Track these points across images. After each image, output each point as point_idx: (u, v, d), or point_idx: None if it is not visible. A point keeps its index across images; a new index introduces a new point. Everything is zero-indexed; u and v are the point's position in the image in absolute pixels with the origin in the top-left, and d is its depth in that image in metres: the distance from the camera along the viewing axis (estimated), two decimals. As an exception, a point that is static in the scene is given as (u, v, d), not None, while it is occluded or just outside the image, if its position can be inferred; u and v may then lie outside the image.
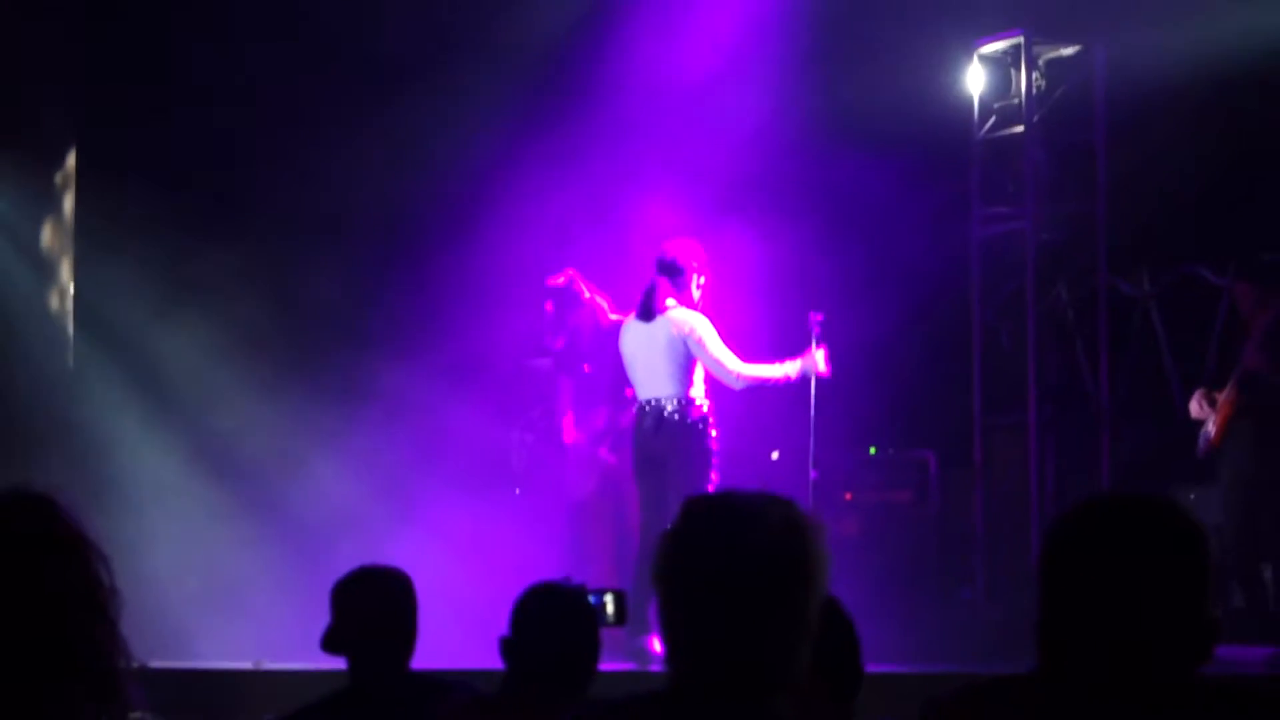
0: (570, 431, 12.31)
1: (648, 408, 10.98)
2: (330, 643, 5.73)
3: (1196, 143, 12.50)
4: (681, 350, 10.89)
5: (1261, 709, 3.20)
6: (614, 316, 11.85)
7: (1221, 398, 10.95)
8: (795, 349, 11.20)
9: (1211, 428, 10.94)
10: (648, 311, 10.99)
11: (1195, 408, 11.09)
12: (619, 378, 11.49)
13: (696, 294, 11.01)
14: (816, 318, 11.24)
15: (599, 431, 12.24)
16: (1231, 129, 12.38)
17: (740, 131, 13.45)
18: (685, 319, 10.92)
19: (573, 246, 13.23)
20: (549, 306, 12.25)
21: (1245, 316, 11.09)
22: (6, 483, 3.16)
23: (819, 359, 10.93)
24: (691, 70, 13.63)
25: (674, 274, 10.96)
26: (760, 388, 11.01)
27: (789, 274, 12.92)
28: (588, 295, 12.07)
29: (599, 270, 12.49)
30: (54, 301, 14.26)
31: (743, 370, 10.90)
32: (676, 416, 10.87)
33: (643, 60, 13.68)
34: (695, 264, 10.99)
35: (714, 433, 10.90)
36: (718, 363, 10.86)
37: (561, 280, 12.17)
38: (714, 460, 10.86)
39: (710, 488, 10.41)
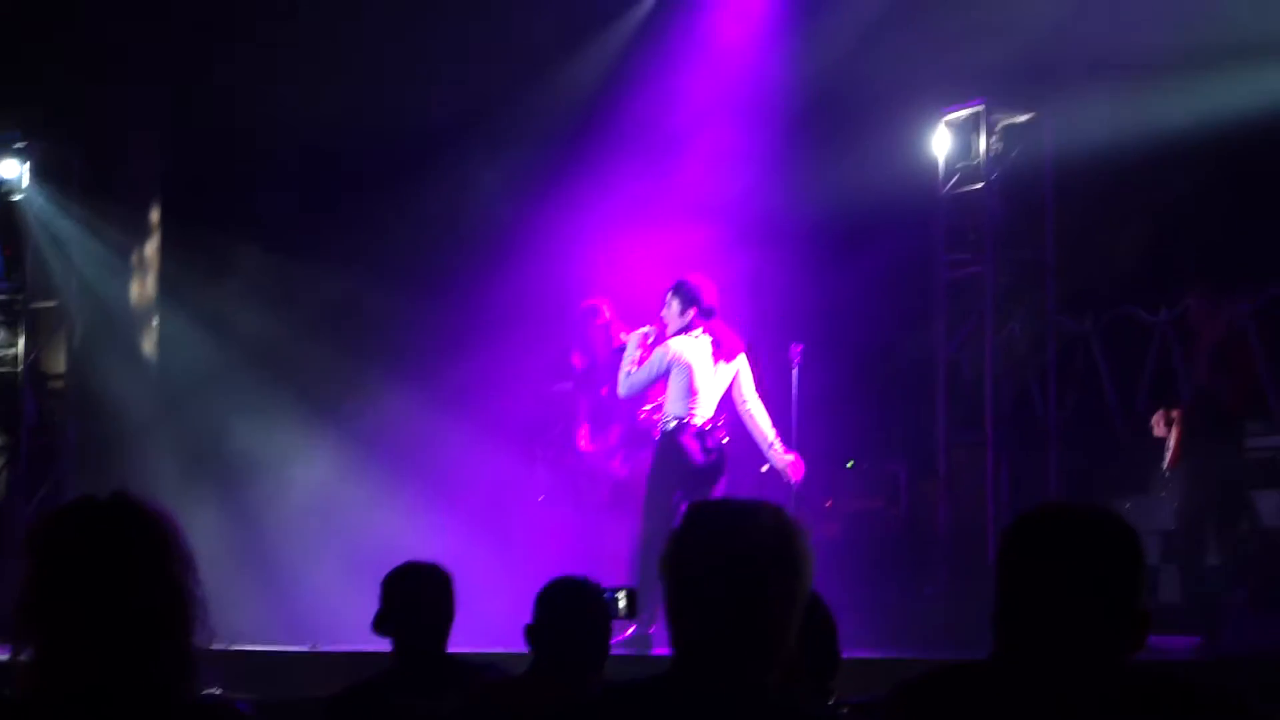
0: (585, 443, 12.29)
1: (712, 429, 10.60)
2: (379, 625, 5.75)
3: (1133, 199, 12.52)
4: (730, 382, 10.69)
5: (1183, 690, 3.21)
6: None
7: (1176, 415, 10.96)
8: (781, 377, 11.20)
9: (1171, 447, 10.93)
10: (725, 351, 10.57)
11: (1159, 427, 11.03)
12: (635, 399, 11.18)
13: None
14: (797, 348, 11.22)
15: (612, 447, 12.20)
16: (1163, 188, 12.39)
17: (738, 184, 13.51)
18: (742, 356, 10.76)
19: (592, 285, 13.26)
20: (578, 324, 12.19)
21: (1195, 328, 11.04)
22: (110, 486, 3.20)
23: (794, 468, 10.73)
24: (696, 133, 13.71)
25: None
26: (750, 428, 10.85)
27: (777, 310, 12.94)
28: (608, 321, 12.00)
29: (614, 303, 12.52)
30: (141, 322, 14.35)
31: (759, 408, 10.79)
32: (726, 440, 10.81)
33: (653, 120, 13.78)
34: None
35: None
36: (751, 397, 10.72)
37: (594, 305, 12.13)
38: None
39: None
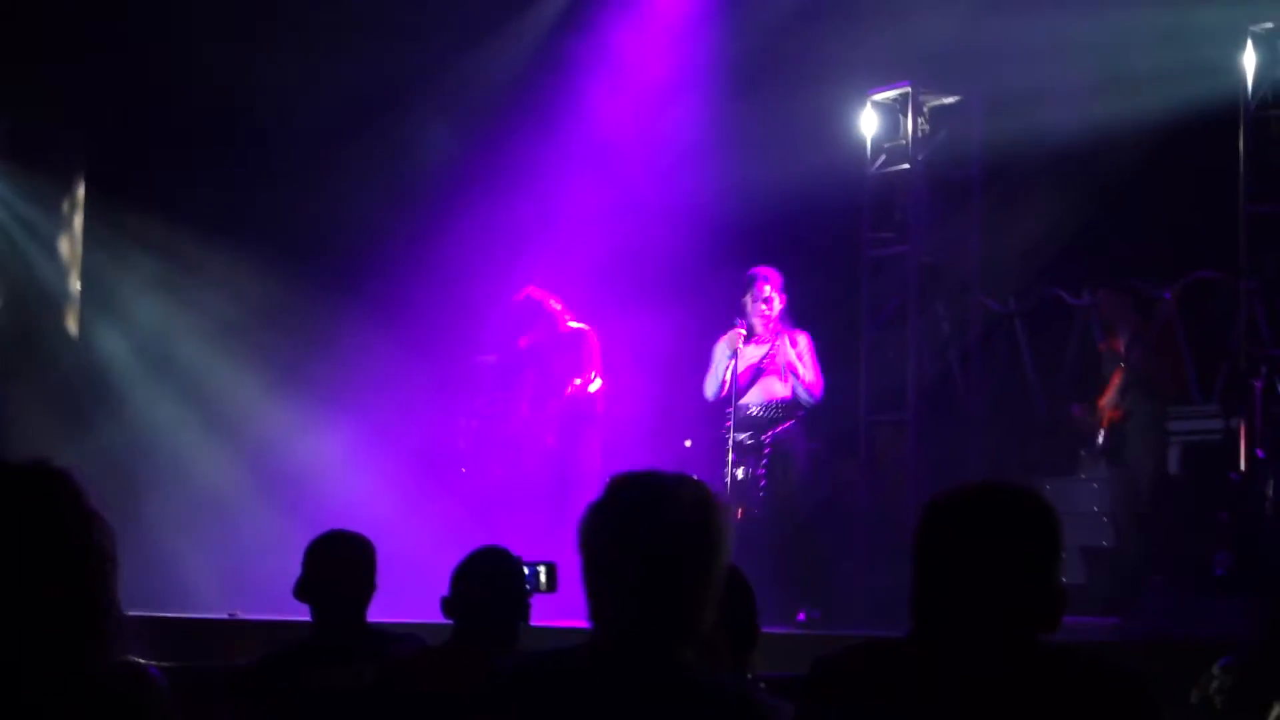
0: (524, 414, 12.30)
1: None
2: (300, 591, 5.74)
3: (1058, 182, 12.58)
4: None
5: (1094, 669, 3.22)
6: (574, 324, 11.88)
7: (1104, 403, 11.12)
8: (705, 357, 11.23)
9: (1100, 433, 11.12)
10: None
11: (1080, 415, 11.25)
12: (570, 375, 11.58)
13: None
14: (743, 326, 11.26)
15: (548, 418, 12.21)
16: (1088, 172, 12.45)
17: (664, 160, 13.49)
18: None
19: (519, 261, 13.26)
20: (514, 313, 12.23)
21: (1109, 321, 11.29)
22: (28, 455, 3.17)
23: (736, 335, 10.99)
24: (621, 110, 13.69)
25: None
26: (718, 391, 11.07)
27: (701, 289, 12.94)
28: (549, 306, 12.06)
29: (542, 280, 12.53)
30: (67, 289, 14.27)
31: (707, 388, 11.06)
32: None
33: (581, 99, 13.75)
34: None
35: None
36: None
37: (522, 297, 12.15)
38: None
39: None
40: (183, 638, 10.10)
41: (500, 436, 12.60)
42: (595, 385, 11.82)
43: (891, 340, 12.96)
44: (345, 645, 5.66)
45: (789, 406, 11.03)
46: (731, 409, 10.99)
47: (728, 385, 10.97)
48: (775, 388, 11.02)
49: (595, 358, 11.90)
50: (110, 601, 3.09)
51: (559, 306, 12.03)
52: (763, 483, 11.00)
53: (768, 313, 11.03)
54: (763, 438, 10.99)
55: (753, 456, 11.00)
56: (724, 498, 10.55)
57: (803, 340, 11.09)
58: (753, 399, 11.02)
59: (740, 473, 11.02)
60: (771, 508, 10.98)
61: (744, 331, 11.00)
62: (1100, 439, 11.14)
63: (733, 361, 10.96)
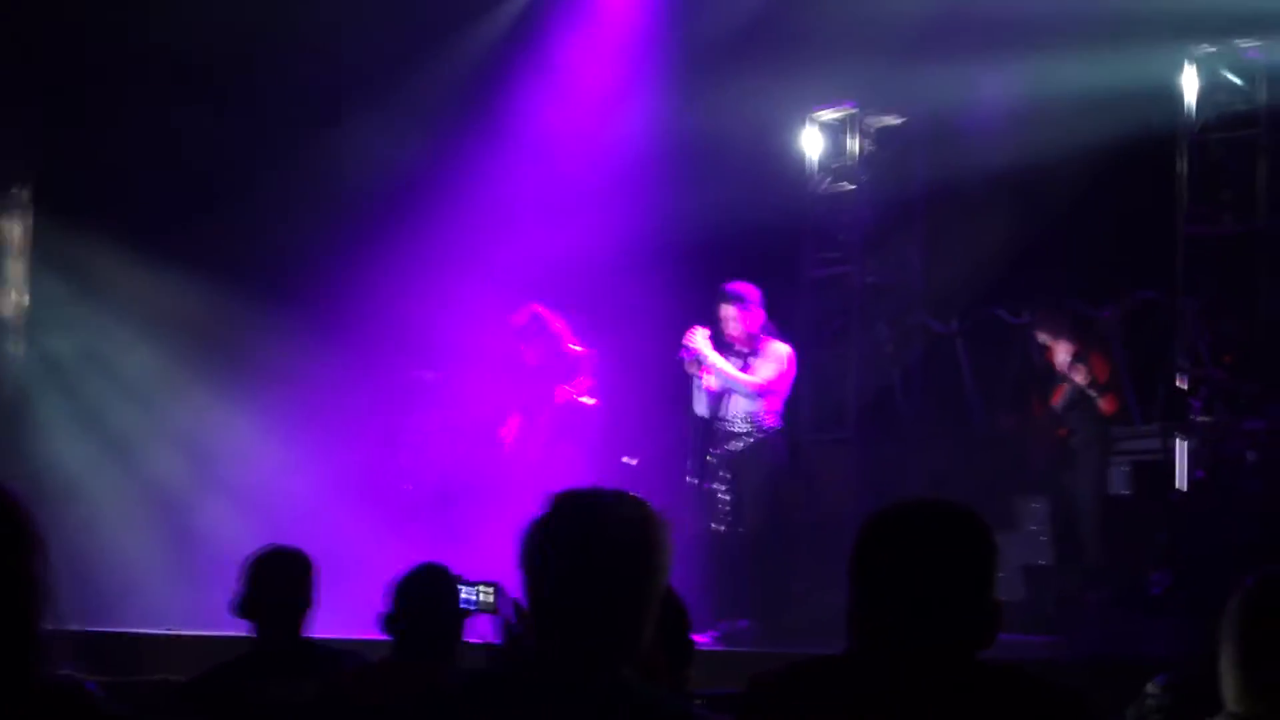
0: (512, 430, 12.23)
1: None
2: (239, 609, 5.73)
3: (1001, 203, 12.64)
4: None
5: (1030, 686, 3.25)
6: (574, 346, 11.85)
7: (1041, 417, 11.24)
8: (644, 377, 11.27)
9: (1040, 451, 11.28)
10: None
11: (1008, 427, 11.40)
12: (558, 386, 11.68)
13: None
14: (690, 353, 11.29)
15: (538, 430, 12.16)
16: (1031, 192, 12.52)
17: (606, 177, 13.49)
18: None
19: (458, 277, 13.24)
20: (518, 332, 12.16)
21: (1046, 340, 11.39)
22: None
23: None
24: (564, 126, 13.69)
25: None
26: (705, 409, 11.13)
27: (642, 307, 12.94)
28: (553, 326, 12.01)
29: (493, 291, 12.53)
30: (8, 304, 14.19)
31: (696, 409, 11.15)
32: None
33: (523, 114, 13.74)
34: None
35: None
36: None
37: (527, 315, 12.09)
38: None
39: None
40: (124, 653, 10.05)
41: (438, 454, 12.58)
42: (589, 400, 11.80)
43: (833, 359, 12.99)
44: (285, 661, 5.65)
45: (757, 421, 11.02)
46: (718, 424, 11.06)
47: (708, 403, 11.03)
48: (742, 403, 11.03)
49: (591, 379, 11.91)
50: (47, 618, 3.08)
51: (562, 327, 12.01)
52: (724, 495, 11.03)
53: (731, 332, 11.03)
54: (724, 450, 11.01)
55: (718, 470, 11.04)
56: (682, 513, 10.66)
57: (781, 350, 11.06)
58: (729, 413, 11.03)
59: (707, 486, 11.07)
60: (733, 521, 11.03)
61: (684, 359, 11.03)
62: (1041, 457, 11.24)
63: (700, 382, 10.99)
